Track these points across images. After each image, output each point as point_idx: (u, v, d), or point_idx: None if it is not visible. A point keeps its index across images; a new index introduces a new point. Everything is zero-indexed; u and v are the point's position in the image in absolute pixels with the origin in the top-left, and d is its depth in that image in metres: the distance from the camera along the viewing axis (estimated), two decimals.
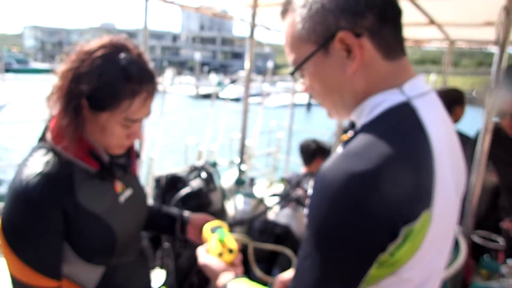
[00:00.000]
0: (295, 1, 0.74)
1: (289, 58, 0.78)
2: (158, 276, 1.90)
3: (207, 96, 24.61)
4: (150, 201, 2.32)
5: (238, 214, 1.86)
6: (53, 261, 0.94)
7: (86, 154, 0.98)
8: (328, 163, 0.65)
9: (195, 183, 1.93)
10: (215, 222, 1.17)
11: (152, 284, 1.29)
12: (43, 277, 0.91)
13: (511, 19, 1.47)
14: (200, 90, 30.26)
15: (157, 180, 2.02)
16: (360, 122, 0.74)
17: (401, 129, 0.66)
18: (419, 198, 0.63)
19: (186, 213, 1.32)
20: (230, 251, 1.02)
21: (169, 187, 2.03)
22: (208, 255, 1.03)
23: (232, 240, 1.06)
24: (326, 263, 0.63)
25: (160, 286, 1.80)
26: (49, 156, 0.94)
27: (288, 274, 1.07)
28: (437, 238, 0.66)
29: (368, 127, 0.69)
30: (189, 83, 34.17)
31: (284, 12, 0.78)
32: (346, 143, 0.70)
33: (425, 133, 0.67)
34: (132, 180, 1.15)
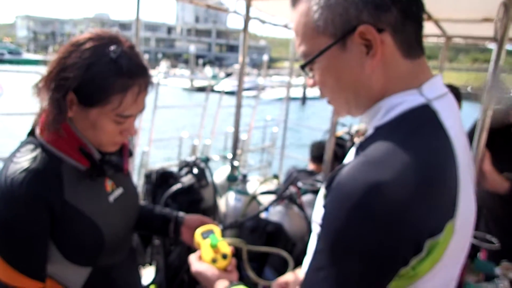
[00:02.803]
0: None
1: (299, 49, 0.72)
2: (147, 273, 1.87)
3: (202, 89, 24.48)
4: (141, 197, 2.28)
5: (229, 211, 1.82)
6: (37, 261, 0.90)
7: (76, 151, 0.94)
8: (347, 171, 0.60)
9: (187, 179, 1.89)
10: (207, 227, 1.12)
11: (142, 282, 1.26)
12: (26, 278, 0.88)
13: (509, 15, 1.44)
14: (195, 83, 30.10)
15: (148, 176, 1.98)
16: (373, 123, 0.69)
17: (423, 134, 0.62)
18: (445, 210, 0.60)
19: (181, 214, 1.28)
20: (224, 256, 0.98)
21: (160, 182, 1.99)
22: (200, 262, 0.99)
23: (225, 245, 1.02)
24: (343, 277, 0.59)
25: (150, 284, 1.77)
26: (37, 152, 0.90)
27: (286, 278, 1.04)
28: (456, 248, 0.63)
29: (387, 131, 0.65)
30: (184, 76, 33.97)
31: None
32: (360, 146, 0.66)
33: (448, 139, 0.63)
34: (123, 179, 1.11)
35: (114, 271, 1.07)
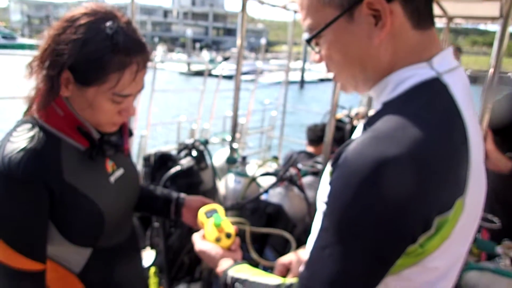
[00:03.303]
0: None
1: (305, 23, 0.69)
2: (148, 256, 1.87)
3: (199, 73, 24.32)
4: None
5: (229, 194, 1.82)
6: (37, 242, 0.89)
7: (74, 130, 0.92)
8: (354, 147, 0.58)
9: (185, 162, 1.87)
10: (210, 206, 1.11)
11: (143, 264, 1.26)
12: (27, 260, 0.86)
13: None
14: (192, 67, 29.88)
15: (146, 159, 1.96)
16: (381, 99, 0.67)
17: (434, 108, 0.60)
18: (455, 186, 0.58)
19: (182, 195, 1.26)
20: (228, 235, 0.98)
21: (158, 165, 1.97)
22: (204, 241, 0.99)
23: (229, 224, 1.01)
24: (350, 255, 0.58)
25: (150, 266, 1.77)
26: (35, 131, 0.87)
27: (288, 258, 1.03)
28: (465, 226, 0.62)
29: (396, 106, 0.62)
30: (181, 60, 33.69)
31: None
32: (368, 122, 0.64)
33: (459, 113, 0.61)
34: (124, 159, 1.09)
35: (115, 252, 1.06)
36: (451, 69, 0.65)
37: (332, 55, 0.69)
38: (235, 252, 0.98)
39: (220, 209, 1.10)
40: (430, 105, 0.60)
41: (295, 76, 26.61)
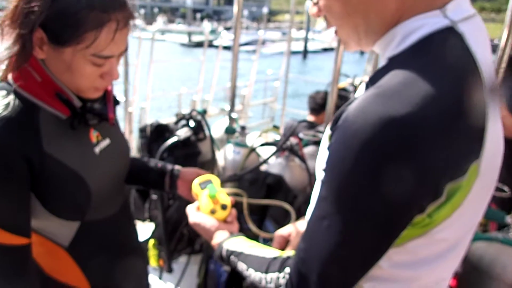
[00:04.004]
0: None
1: None
2: (146, 228, 1.85)
3: (200, 44, 23.92)
4: (135, 152, 2.22)
5: (228, 165, 1.76)
6: (19, 216, 0.83)
7: (53, 97, 0.84)
8: (356, 105, 0.51)
9: (182, 132, 1.81)
10: (205, 177, 1.06)
11: (140, 237, 1.22)
12: (9, 234, 0.81)
13: None
14: (193, 38, 29.39)
15: (142, 130, 1.90)
16: (387, 54, 0.59)
17: (448, 61, 0.52)
18: (470, 148, 0.51)
19: (176, 167, 1.21)
20: (223, 207, 0.93)
21: (155, 136, 1.91)
22: (199, 213, 0.94)
23: (224, 195, 0.96)
24: (350, 226, 0.53)
25: (148, 239, 1.75)
26: (9, 98, 0.81)
27: (288, 229, 0.99)
28: (480, 193, 0.56)
29: (404, 59, 0.55)
30: (182, 31, 33.14)
31: None
32: (371, 79, 0.56)
33: (477, 66, 0.53)
34: (110, 129, 1.03)
35: (105, 225, 1.01)
36: (468, 17, 0.56)
37: (332, 5, 0.62)
38: (231, 224, 0.94)
39: (215, 179, 1.05)
40: (442, 58, 0.52)
41: (298, 46, 26.12)
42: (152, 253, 1.71)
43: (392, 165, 0.48)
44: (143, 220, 2.02)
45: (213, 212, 0.93)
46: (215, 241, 0.88)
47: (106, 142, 1.00)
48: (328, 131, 0.62)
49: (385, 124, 0.48)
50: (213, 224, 0.91)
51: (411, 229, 0.54)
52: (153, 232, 1.79)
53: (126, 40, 0.85)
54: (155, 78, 3.88)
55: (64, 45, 0.78)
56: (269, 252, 0.75)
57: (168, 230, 1.70)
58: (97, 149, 0.96)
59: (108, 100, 0.96)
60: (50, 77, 0.83)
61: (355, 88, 3.42)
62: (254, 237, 1.42)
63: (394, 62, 0.56)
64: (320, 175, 0.63)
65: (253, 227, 1.07)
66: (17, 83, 0.82)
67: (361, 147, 0.49)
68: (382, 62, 0.61)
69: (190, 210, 0.98)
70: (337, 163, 0.53)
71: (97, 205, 0.95)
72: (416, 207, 0.51)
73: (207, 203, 0.95)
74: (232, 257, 0.80)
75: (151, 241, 1.72)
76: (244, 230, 1.21)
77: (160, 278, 1.86)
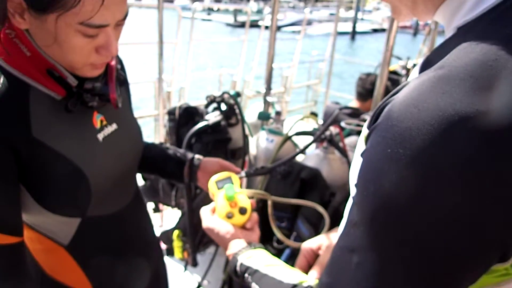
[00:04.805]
0: None
1: None
2: (172, 217, 1.75)
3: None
4: (163, 136, 2.12)
5: (260, 154, 1.60)
6: (6, 213, 0.72)
7: (44, 74, 0.72)
8: (405, 94, 0.35)
9: (212, 116, 1.67)
10: (224, 174, 0.93)
11: (159, 227, 1.11)
12: None
13: None
14: (239, 18, 29.17)
15: (171, 112, 1.78)
16: (455, 23, 0.42)
17: None
18: None
19: (197, 156, 1.09)
20: (242, 211, 0.80)
21: (185, 120, 1.79)
22: (214, 216, 0.82)
23: (244, 197, 0.83)
24: (390, 272, 0.36)
25: (173, 229, 1.65)
26: None
27: (317, 241, 0.83)
28: None
29: (481, 28, 0.37)
30: (228, 10, 33.09)
31: None
32: (429, 59, 0.40)
33: None
34: (118, 113, 0.90)
35: (111, 221, 0.90)
36: None
37: None
38: (250, 231, 0.81)
39: (235, 178, 0.91)
40: None
41: (347, 27, 25.10)
42: (177, 245, 1.61)
43: (460, 182, 0.31)
44: (172, 207, 1.94)
45: (229, 216, 0.80)
46: (229, 252, 0.75)
47: (112, 127, 0.87)
48: (365, 130, 0.45)
49: (452, 124, 0.31)
50: (229, 231, 0.78)
51: (484, 277, 0.37)
52: (178, 222, 1.69)
53: (124, 6, 0.70)
54: (198, 57, 3.77)
55: (45, 10, 0.64)
56: (288, 275, 0.63)
57: (193, 222, 1.59)
58: (100, 136, 0.84)
59: (109, 78, 0.82)
60: (38, 51, 0.71)
61: (408, 71, 3.09)
62: (278, 251, 1.27)
63: (466, 33, 0.38)
64: (352, 190, 0.46)
65: (279, 234, 0.92)
66: (1, 57, 0.71)
67: (411, 160, 0.32)
68: (447, 33, 0.42)
69: (204, 212, 0.85)
70: (374, 179, 0.37)
71: (100, 200, 0.83)
72: (495, 252, 0.34)
73: (224, 206, 0.82)
74: (246, 275, 0.68)
75: (176, 232, 1.61)
76: (267, 236, 1.06)
77: (185, 270, 1.77)
